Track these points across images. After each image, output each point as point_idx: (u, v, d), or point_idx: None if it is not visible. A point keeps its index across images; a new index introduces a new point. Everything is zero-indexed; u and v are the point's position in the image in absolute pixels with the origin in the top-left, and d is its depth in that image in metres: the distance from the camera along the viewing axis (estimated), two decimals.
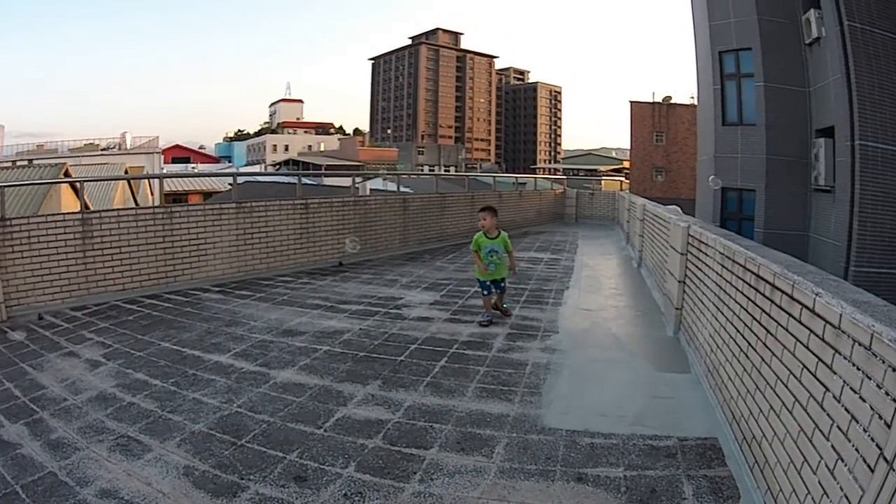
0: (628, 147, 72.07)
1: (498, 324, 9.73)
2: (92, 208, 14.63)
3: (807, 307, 3.84)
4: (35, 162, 42.11)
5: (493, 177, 30.51)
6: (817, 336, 3.64)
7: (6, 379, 7.51)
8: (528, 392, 6.68)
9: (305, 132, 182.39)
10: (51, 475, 5.07)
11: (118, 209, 12.96)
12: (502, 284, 10.18)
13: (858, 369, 3.08)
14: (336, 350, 8.44)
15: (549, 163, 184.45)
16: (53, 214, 11.92)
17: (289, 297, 11.93)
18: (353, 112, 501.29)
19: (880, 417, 2.77)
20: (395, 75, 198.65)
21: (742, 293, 5.48)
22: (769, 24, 20.90)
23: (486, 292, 9.99)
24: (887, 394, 2.73)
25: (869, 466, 2.82)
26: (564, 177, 42.45)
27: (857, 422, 3.01)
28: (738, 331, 5.54)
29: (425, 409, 6.30)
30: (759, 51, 21.10)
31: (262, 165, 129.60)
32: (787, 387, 4.12)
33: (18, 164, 44.88)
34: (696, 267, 8.07)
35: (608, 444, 5.40)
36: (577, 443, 5.43)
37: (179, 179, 62.25)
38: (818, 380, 3.59)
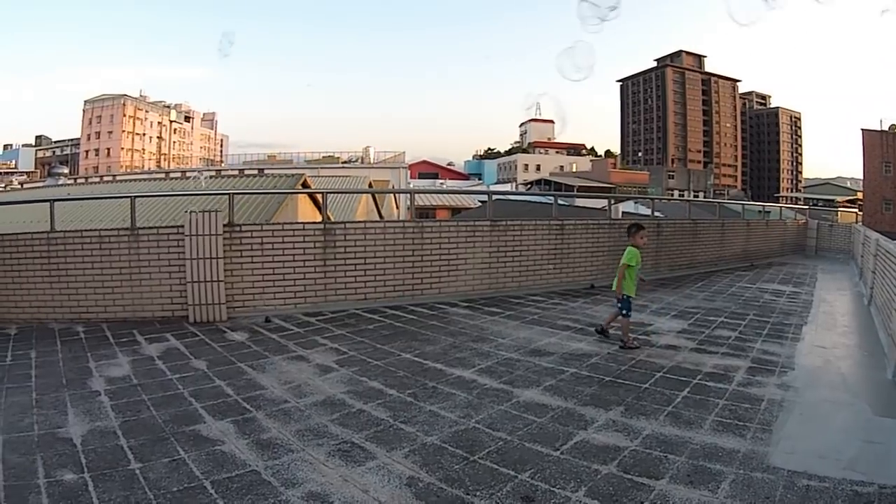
0: (861, 177, 68.71)
1: (739, 356, 9.59)
2: (333, 219, 15.06)
3: None
4: (266, 172, 41.89)
5: (742, 204, 29.93)
6: None
7: (218, 377, 7.91)
8: (760, 429, 6.59)
9: (557, 152, 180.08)
10: (252, 473, 5.25)
11: (364, 221, 13.52)
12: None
13: None
14: (583, 373, 8.42)
15: (791, 191, 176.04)
16: (291, 223, 12.83)
17: (539, 316, 12.08)
18: (604, 134, 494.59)
19: None
20: (643, 97, 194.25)
21: None
22: None
23: (630, 313, 10.09)
24: None
25: None
26: (806, 206, 41.20)
27: None
28: None
29: (662, 439, 6.17)
30: None
31: (514, 184, 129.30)
32: None
33: (247, 173, 45.27)
34: None
35: (820, 487, 5.35)
36: (795, 484, 5.38)
37: (427, 195, 61.20)
38: None
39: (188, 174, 51.24)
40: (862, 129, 63.85)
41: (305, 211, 25.91)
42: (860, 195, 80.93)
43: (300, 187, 26.74)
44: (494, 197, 17.88)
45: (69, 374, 8.11)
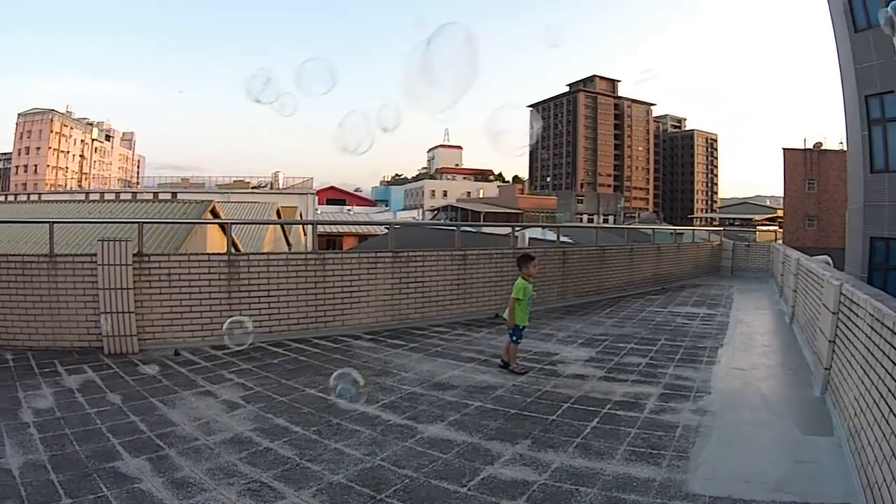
0: (781, 195, 70.30)
1: (651, 383, 9.54)
2: (241, 246, 14.98)
3: None
4: (179, 196, 44.18)
5: (653, 229, 30.29)
6: None
7: (132, 412, 7.76)
8: (676, 456, 6.53)
9: (464, 178, 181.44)
10: None
11: (268, 253, 13.45)
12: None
13: None
14: (487, 406, 8.33)
15: (706, 212, 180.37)
16: (197, 254, 12.50)
17: (442, 348, 11.92)
18: (513, 160, 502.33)
19: None
20: (553, 122, 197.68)
21: (889, 357, 5.38)
22: None
23: (519, 340, 10.29)
24: None
25: None
26: (721, 228, 41.83)
27: None
28: (881, 395, 5.45)
29: (572, 472, 6.12)
30: None
31: (420, 210, 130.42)
32: None
33: (161, 196, 47.32)
34: (847, 327, 7.87)
35: None
36: None
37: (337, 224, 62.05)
38: None
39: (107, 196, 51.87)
40: (783, 148, 65.50)
41: (214, 238, 26.21)
42: (780, 213, 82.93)
43: (209, 214, 27.81)
44: (397, 226, 17.52)
45: (2, 404, 8.11)
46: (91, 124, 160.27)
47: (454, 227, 17.45)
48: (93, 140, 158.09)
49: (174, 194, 50.69)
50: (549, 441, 7.02)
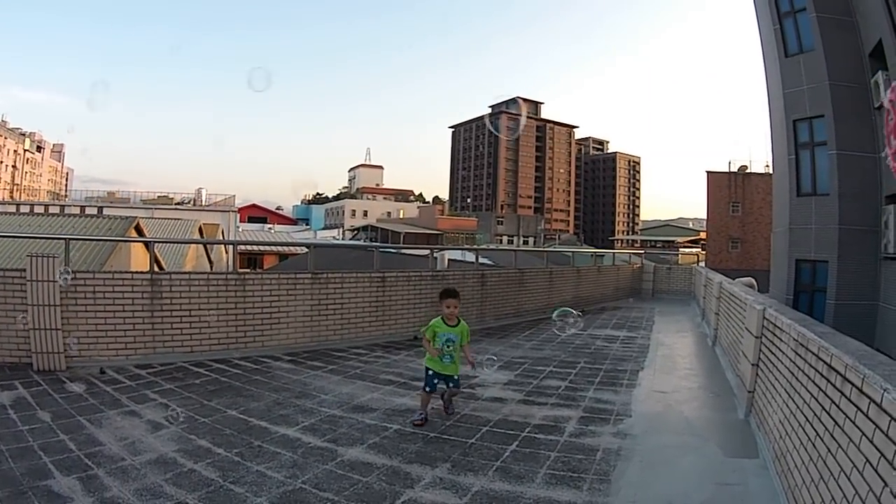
0: (705, 217, 71.40)
1: (571, 406, 9.59)
2: (163, 263, 14.92)
3: (874, 402, 3.83)
4: (105, 211, 44.22)
5: (572, 251, 30.58)
6: (882, 431, 3.64)
7: (62, 430, 7.72)
8: (597, 479, 6.58)
9: (385, 198, 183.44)
10: None
11: (189, 272, 13.19)
12: (457, 380, 9.02)
13: None
14: (406, 429, 8.36)
15: (628, 234, 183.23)
16: (121, 272, 12.28)
17: (361, 370, 11.91)
18: (434, 179, 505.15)
19: None
20: (475, 143, 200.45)
21: (813, 382, 5.45)
22: (840, 89, 20.87)
23: (428, 388, 8.79)
24: None
25: None
26: (642, 251, 42.36)
27: None
28: (807, 419, 5.51)
29: (493, 495, 6.17)
30: (831, 118, 21.03)
31: (340, 230, 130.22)
32: (849, 479, 4.11)
33: (88, 210, 46.89)
34: (770, 351, 7.99)
35: None
36: None
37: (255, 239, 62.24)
38: (879, 475, 3.59)
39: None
40: (707, 171, 66.53)
41: (139, 255, 27.03)
42: (703, 235, 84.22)
43: (133, 231, 28.76)
44: (317, 246, 17.47)
45: None
46: (24, 135, 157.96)
47: (373, 248, 17.46)
48: (25, 151, 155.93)
49: (100, 209, 50.53)
50: (469, 465, 7.05)
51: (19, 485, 6.02)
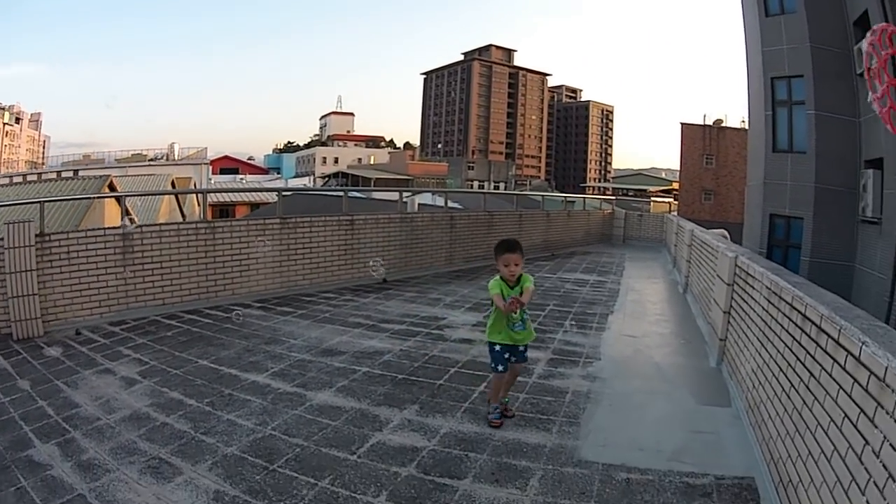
0: (678, 168, 71.45)
1: (540, 348, 9.44)
2: (137, 220, 14.59)
3: (852, 354, 3.74)
4: (81, 173, 43.88)
5: (542, 195, 30.37)
6: (861, 386, 3.55)
7: (40, 397, 7.61)
8: (566, 422, 6.57)
9: (356, 145, 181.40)
10: (80, 498, 5.11)
11: (160, 224, 13.06)
12: (525, 350, 6.90)
13: None
14: (375, 372, 8.38)
15: (599, 181, 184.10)
16: (93, 229, 12.08)
17: (330, 314, 11.90)
18: (405, 126, 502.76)
19: None
20: (447, 90, 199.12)
21: (787, 331, 5.37)
22: (821, 52, 20.75)
23: (501, 367, 6.69)
24: None
25: None
26: (613, 197, 42.26)
27: (895, 481, 2.92)
28: (781, 370, 5.45)
29: (461, 437, 6.22)
30: (811, 79, 20.97)
31: (311, 177, 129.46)
32: (826, 434, 4.04)
33: (64, 174, 47.07)
34: (742, 299, 7.95)
35: (644, 480, 5.30)
36: (612, 478, 5.33)
37: (229, 192, 62.20)
38: (858, 431, 3.51)
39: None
40: (681, 123, 66.48)
41: (112, 213, 26.25)
42: (676, 185, 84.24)
43: (107, 189, 28.50)
44: (289, 193, 17.25)
45: None
46: (3, 108, 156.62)
47: (343, 192, 17.33)
48: (4, 125, 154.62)
49: (76, 172, 50.41)
50: (437, 406, 7.11)
51: (3, 459, 5.96)
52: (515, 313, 6.47)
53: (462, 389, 7.65)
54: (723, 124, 65.94)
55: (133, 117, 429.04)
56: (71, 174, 44.30)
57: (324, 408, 7.04)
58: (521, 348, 6.75)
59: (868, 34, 14.77)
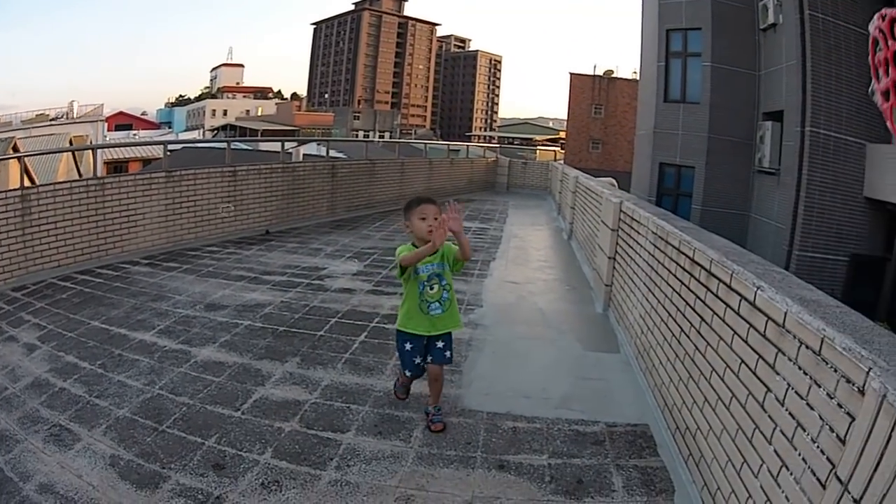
0: (566, 118, 72.18)
1: None
2: (37, 179, 14.24)
3: (746, 299, 3.65)
4: None
5: (425, 143, 30.35)
6: (758, 332, 3.44)
7: None
8: (448, 370, 6.24)
9: (245, 97, 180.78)
10: None
11: (54, 183, 12.60)
12: (449, 343, 5.34)
13: (805, 374, 2.85)
14: (256, 325, 8.29)
15: (485, 131, 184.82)
16: None
17: (214, 268, 11.76)
18: (295, 77, 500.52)
19: (832, 430, 2.52)
20: (335, 40, 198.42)
21: (675, 276, 5.33)
22: (722, 6, 21.05)
23: (408, 372, 5.36)
24: (840, 406, 2.49)
25: (820, 482, 2.58)
26: (498, 145, 42.41)
27: (805, 430, 2.78)
28: (670, 315, 5.40)
29: (343, 389, 6.17)
30: (709, 32, 21.25)
31: (201, 131, 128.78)
32: (723, 380, 3.96)
33: None
34: (628, 244, 7.92)
35: (532, 428, 5.24)
36: (498, 427, 5.27)
37: (122, 148, 62.20)
38: (759, 378, 3.40)
39: None
40: (570, 73, 67.20)
41: (16, 176, 25.52)
42: (563, 134, 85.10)
43: (11, 151, 29.54)
44: (177, 147, 16.95)
45: None
46: None
47: (226, 143, 17.03)
48: None
49: None
50: (318, 358, 7.07)
51: None
52: (430, 305, 5.19)
53: (342, 340, 7.61)
54: (613, 75, 66.68)
55: (53, 77, 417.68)
56: None
57: (208, 364, 6.93)
58: (440, 344, 5.25)
59: (876, 17, 14.69)
